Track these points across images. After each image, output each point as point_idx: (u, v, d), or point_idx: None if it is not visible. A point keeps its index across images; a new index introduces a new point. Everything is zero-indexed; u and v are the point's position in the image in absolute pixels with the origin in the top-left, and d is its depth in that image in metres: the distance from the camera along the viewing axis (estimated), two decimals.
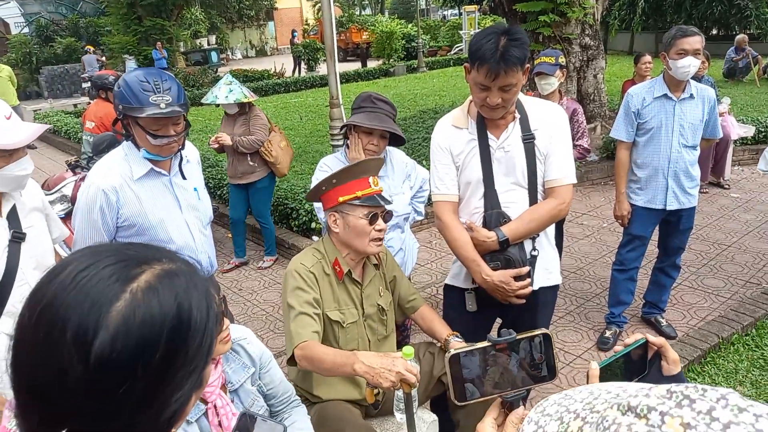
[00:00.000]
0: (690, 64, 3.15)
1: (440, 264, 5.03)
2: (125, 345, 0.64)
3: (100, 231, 2.20)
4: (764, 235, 5.20)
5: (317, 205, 2.66)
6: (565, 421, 0.59)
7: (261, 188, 5.02)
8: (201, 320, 0.71)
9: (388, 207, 2.48)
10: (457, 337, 2.26)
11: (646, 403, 0.52)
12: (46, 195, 4.24)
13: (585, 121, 4.08)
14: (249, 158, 4.85)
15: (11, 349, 0.67)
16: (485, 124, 2.22)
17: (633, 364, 1.07)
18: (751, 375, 3.27)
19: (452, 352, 1.01)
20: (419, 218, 3.12)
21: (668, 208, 3.41)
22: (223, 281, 4.96)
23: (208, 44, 27.61)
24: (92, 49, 17.63)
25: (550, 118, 2.22)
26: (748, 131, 7.10)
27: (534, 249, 2.26)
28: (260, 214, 5.18)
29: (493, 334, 1.07)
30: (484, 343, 1.01)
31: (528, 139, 2.18)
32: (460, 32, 24.09)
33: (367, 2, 45.49)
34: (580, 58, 7.65)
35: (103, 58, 17.51)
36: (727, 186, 6.54)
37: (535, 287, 2.25)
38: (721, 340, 3.52)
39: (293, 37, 23.96)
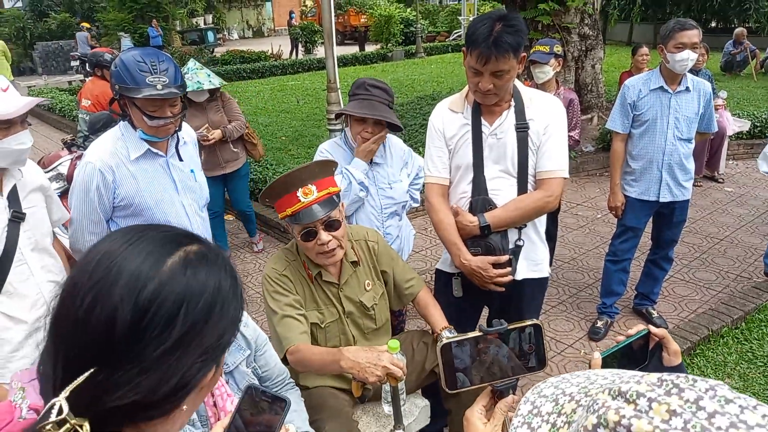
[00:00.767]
0: (688, 58, 3.15)
1: (435, 251, 5.05)
2: (171, 292, 0.71)
3: (96, 210, 2.20)
4: (756, 229, 5.25)
5: None
6: (560, 402, 0.60)
7: (244, 174, 4.88)
8: (233, 301, 0.79)
9: (388, 194, 2.44)
10: (450, 331, 2.24)
11: (636, 389, 0.53)
12: None
13: (580, 113, 4.08)
14: (232, 145, 4.64)
15: (63, 291, 0.73)
16: (480, 110, 2.23)
17: (634, 354, 1.10)
18: (739, 368, 3.32)
19: (444, 341, 1.02)
20: (415, 205, 3.13)
21: (661, 200, 3.43)
22: None
23: (205, 23, 27.33)
24: (86, 26, 17.32)
25: (547, 110, 2.22)
26: (744, 126, 7.12)
27: (519, 239, 2.26)
28: (243, 201, 4.99)
29: (483, 323, 1.08)
30: (476, 333, 1.03)
31: (521, 128, 2.19)
32: (459, 18, 23.91)
33: None
34: (579, 47, 7.63)
35: (93, 41, 17.07)
36: (721, 180, 6.57)
37: (519, 277, 2.27)
38: (710, 333, 3.57)
39: (291, 18, 23.74)
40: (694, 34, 3.16)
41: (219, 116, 4.58)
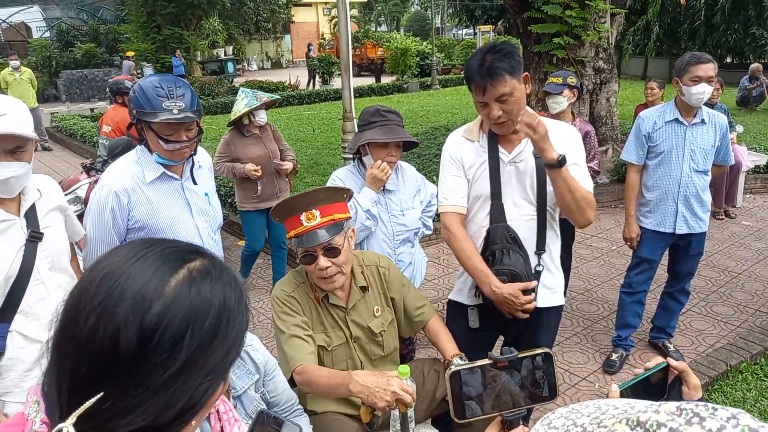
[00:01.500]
0: (704, 91, 3.15)
1: (447, 280, 5.01)
2: (177, 314, 0.69)
3: (110, 232, 2.22)
4: None
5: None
6: None
7: None
8: (240, 315, 0.78)
9: (400, 221, 2.43)
10: (461, 358, 2.20)
11: (656, 419, 0.51)
12: None
13: (597, 144, 4.08)
14: (285, 175, 4.55)
15: (65, 311, 0.71)
16: (497, 139, 2.23)
17: (653, 387, 1.06)
18: (759, 404, 3.22)
19: (453, 368, 1.01)
20: (428, 233, 3.13)
21: (677, 232, 3.39)
22: None
23: (225, 54, 27.89)
24: (131, 54, 17.45)
25: (564, 139, 2.20)
26: (761, 160, 7.06)
27: (539, 264, 2.25)
28: (283, 235, 4.60)
29: (496, 352, 1.06)
30: (485, 361, 1.01)
31: (540, 157, 2.17)
32: (474, 51, 24.12)
33: (383, 19, 45.92)
34: (593, 80, 7.67)
35: (134, 71, 16.90)
36: (733, 216, 6.48)
37: (538, 305, 2.24)
38: (729, 368, 3.48)
39: (309, 50, 24.19)
40: (709, 68, 3.17)
41: (275, 145, 4.52)
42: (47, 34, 24.56)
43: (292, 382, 2.03)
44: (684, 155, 3.31)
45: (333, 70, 21.68)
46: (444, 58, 24.61)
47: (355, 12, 36.00)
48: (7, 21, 23.76)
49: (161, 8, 18.03)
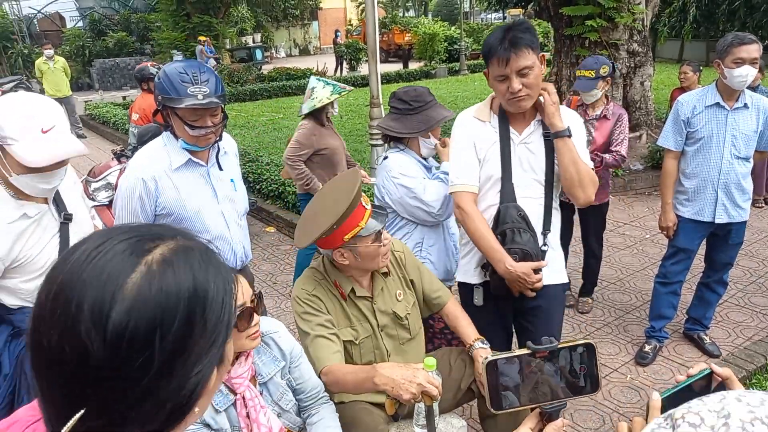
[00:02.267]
0: (747, 74, 3.01)
1: None
2: (141, 316, 0.63)
3: (138, 218, 2.23)
4: None
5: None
6: None
7: None
8: (218, 293, 0.70)
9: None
10: (482, 342, 2.22)
11: None
12: (92, 182, 4.35)
13: (627, 129, 3.93)
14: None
15: (30, 331, 0.67)
16: (508, 120, 2.26)
17: (696, 395, 1.00)
18: None
19: (490, 358, 0.97)
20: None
21: (717, 221, 3.27)
22: (258, 274, 5.00)
23: (253, 42, 28.01)
24: (203, 39, 17.44)
25: (568, 123, 2.24)
26: None
27: (545, 244, 2.29)
28: None
29: (531, 342, 1.02)
30: (524, 350, 0.98)
31: (549, 137, 2.22)
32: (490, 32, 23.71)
33: (410, 4, 45.49)
34: (627, 64, 7.45)
35: (209, 55, 16.65)
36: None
37: (544, 282, 2.28)
38: (767, 361, 3.36)
39: (336, 36, 24.13)
40: (754, 49, 3.02)
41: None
42: (80, 24, 24.99)
43: None
44: (725, 141, 3.18)
45: (360, 56, 21.61)
46: (472, 43, 24.27)
47: None
48: (42, 11, 24.23)
49: None
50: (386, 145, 2.94)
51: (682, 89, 6.35)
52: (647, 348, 3.56)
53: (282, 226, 6.05)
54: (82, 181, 3.00)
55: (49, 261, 1.93)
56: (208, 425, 1.61)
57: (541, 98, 2.19)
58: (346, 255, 2.08)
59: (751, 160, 3.27)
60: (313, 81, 4.17)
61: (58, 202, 2.03)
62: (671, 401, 0.94)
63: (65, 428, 0.62)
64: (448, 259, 2.82)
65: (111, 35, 22.41)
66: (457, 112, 2.55)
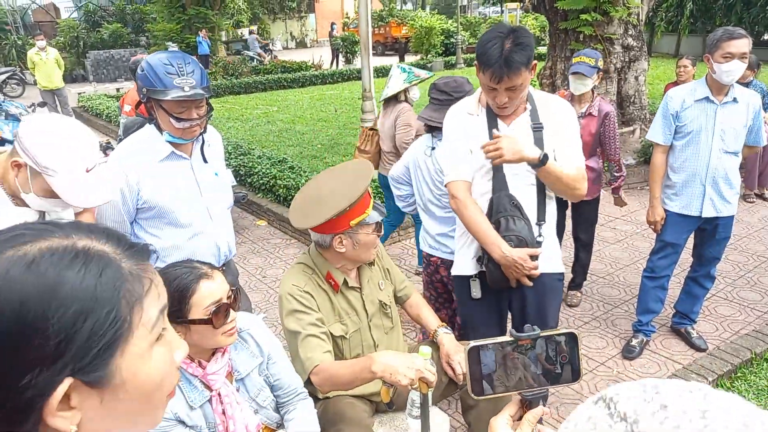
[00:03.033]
0: (736, 68, 3.00)
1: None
2: None
3: (119, 212, 2.22)
4: None
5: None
6: None
7: None
8: (73, 304, 0.61)
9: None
10: (445, 328, 2.29)
11: None
12: None
13: (616, 129, 3.88)
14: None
15: None
16: (495, 113, 2.28)
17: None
18: None
19: (472, 344, 0.97)
20: None
21: (704, 215, 3.28)
22: (247, 267, 4.99)
23: (249, 34, 27.89)
24: (252, 28, 17.34)
25: (556, 114, 2.27)
26: None
27: (540, 235, 2.29)
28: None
29: (512, 329, 1.03)
30: (506, 338, 0.98)
31: (537, 128, 2.23)
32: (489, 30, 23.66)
33: None
34: (622, 59, 7.43)
35: (263, 41, 16.57)
36: (767, 198, 6.27)
37: (541, 270, 2.29)
38: (754, 356, 3.38)
39: (332, 29, 24.03)
40: (743, 44, 3.01)
41: None
42: (75, 15, 24.82)
43: (310, 384, 1.98)
44: (714, 135, 3.18)
45: (356, 49, 21.52)
46: (469, 37, 24.23)
47: None
48: (36, 2, 24.06)
49: None
50: (430, 135, 3.02)
51: (676, 84, 6.35)
52: (634, 342, 3.57)
53: (273, 219, 6.03)
54: None
55: None
56: (182, 422, 1.60)
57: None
58: (345, 242, 2.08)
59: (740, 154, 3.27)
60: (393, 69, 4.31)
61: None
62: None
63: None
64: None
65: (106, 26, 22.25)
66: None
